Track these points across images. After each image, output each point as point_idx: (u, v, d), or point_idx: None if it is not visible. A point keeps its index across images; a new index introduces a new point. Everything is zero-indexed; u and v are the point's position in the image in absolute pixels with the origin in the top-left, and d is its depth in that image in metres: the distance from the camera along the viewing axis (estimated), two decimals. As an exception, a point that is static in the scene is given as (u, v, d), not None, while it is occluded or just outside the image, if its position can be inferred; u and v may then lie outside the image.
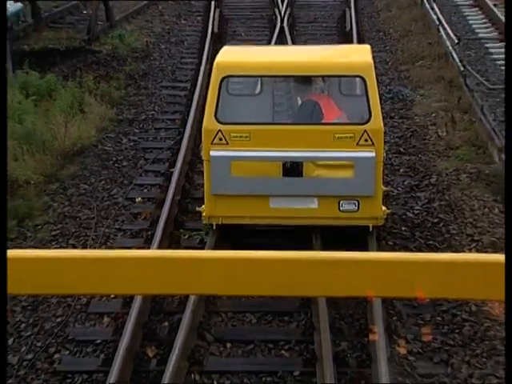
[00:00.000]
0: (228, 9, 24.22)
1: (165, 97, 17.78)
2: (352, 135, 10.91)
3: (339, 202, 11.03)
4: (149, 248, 10.58)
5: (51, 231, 11.78)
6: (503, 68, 19.48)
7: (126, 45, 21.24)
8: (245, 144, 11.04)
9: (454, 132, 15.18)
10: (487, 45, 21.48)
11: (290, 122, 12.06)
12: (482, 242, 11.14)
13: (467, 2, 26.41)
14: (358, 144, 10.87)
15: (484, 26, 23.52)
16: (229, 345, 9.17)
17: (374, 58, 11.88)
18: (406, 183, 13.20)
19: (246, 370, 8.71)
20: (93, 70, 18.88)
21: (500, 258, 2.24)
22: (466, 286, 2.27)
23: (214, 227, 11.26)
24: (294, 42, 20.57)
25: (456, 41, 20.36)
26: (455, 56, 19.19)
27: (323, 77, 12.17)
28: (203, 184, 11.82)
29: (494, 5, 25.06)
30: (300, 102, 12.04)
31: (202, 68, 18.86)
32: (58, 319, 9.57)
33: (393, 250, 10.75)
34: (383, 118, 14.91)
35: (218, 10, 23.84)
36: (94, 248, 10.90)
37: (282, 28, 21.77)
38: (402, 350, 8.91)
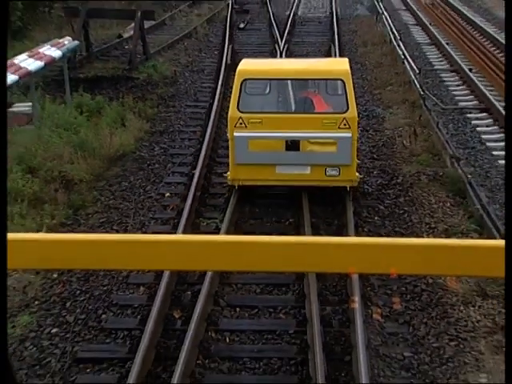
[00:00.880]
0: (238, 45, 24.18)
1: (188, 113, 17.76)
2: (335, 121, 12.03)
3: (325, 169, 12.17)
4: (175, 233, 10.61)
5: (99, 219, 11.82)
6: (454, 92, 19.47)
7: (158, 73, 21.23)
8: (258, 127, 12.13)
9: (415, 142, 15.17)
10: (441, 74, 21.49)
11: (290, 111, 12.95)
12: (437, 229, 11.17)
13: (426, 41, 26.43)
14: (339, 127, 11.99)
15: (439, 59, 23.53)
16: (238, 309, 9.20)
17: (351, 68, 13.06)
18: (378, 182, 13.22)
19: (252, 329, 8.74)
20: (132, 93, 18.87)
21: (455, 241, 2.28)
22: (430, 264, 2.30)
23: (236, 187, 12.31)
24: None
25: (417, 71, 20.34)
26: (416, 83, 19.15)
27: (314, 80, 13.43)
28: (219, 183, 13.28)
29: (447, 43, 25.09)
30: (298, 98, 13.16)
31: (218, 91, 18.80)
32: (105, 288, 9.61)
33: (368, 235, 10.80)
34: (361, 130, 15.14)
35: (230, 46, 23.78)
36: (132, 232, 10.92)
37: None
38: (376, 315, 8.94)
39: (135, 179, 13.56)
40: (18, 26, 24.40)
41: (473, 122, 16.81)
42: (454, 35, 26.72)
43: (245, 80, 12.32)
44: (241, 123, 12.11)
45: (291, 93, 13.36)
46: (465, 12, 31.40)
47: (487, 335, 8.65)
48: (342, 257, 2.32)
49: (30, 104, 15.79)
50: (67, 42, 18.22)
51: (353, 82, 12.43)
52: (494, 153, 14.70)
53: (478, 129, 16.31)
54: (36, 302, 9.33)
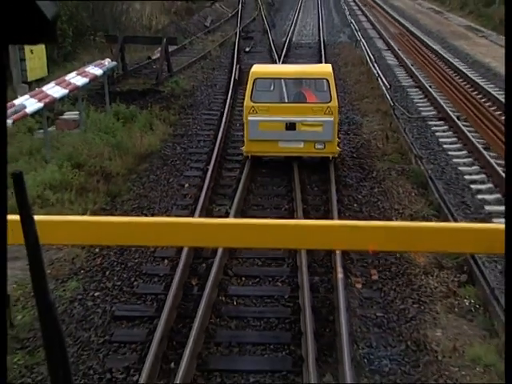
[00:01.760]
0: (244, 65, 24.05)
1: (203, 120, 17.70)
2: (321, 109, 13.05)
3: (314, 144, 13.17)
4: (192, 216, 10.61)
5: (132, 205, 11.79)
6: (418, 104, 19.44)
7: (179, 87, 21.17)
8: (265, 113, 13.15)
9: (387, 144, 15.13)
10: (407, 89, 21.44)
11: (289, 102, 13.61)
12: (404, 214, 11.14)
13: (396, 63, 26.37)
14: (324, 113, 13.02)
15: (406, 78, 23.47)
16: (243, 278, 9.19)
17: (334, 70, 14.13)
18: (357, 176, 13.19)
19: (254, 295, 8.72)
20: (158, 103, 18.81)
21: (417, 224, 2.29)
22: (399, 242, 2.29)
23: (250, 157, 13.48)
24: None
25: (388, 86, 20.31)
26: (387, 96, 19.13)
27: (306, 79, 14.06)
28: (228, 176, 13.45)
29: (412, 65, 25.06)
30: (294, 92, 13.88)
31: (228, 102, 18.72)
32: (136, 260, 9.60)
33: (348, 219, 10.78)
34: (343, 134, 15.07)
35: (237, 65, 23.73)
36: (158, 216, 10.91)
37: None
38: (357, 285, 8.94)
39: (160, 173, 13.54)
40: (68, 50, 24.37)
41: (432, 128, 16.78)
42: (418, 58, 26.71)
43: (256, 79, 13.37)
44: (253, 110, 13.17)
45: (289, 88, 13.97)
46: (425, 40, 31.39)
47: (442, 299, 8.64)
48: (328, 236, 2.31)
49: (78, 112, 15.79)
50: (107, 62, 18.22)
51: (335, 82, 13.56)
52: (449, 153, 14.68)
53: (436, 134, 16.28)
54: (82, 271, 9.34)
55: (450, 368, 7.18)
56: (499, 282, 8.75)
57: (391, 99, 18.71)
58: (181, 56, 26.57)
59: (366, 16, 43.34)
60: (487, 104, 18.34)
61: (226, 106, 18.33)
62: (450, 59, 25.67)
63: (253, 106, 13.13)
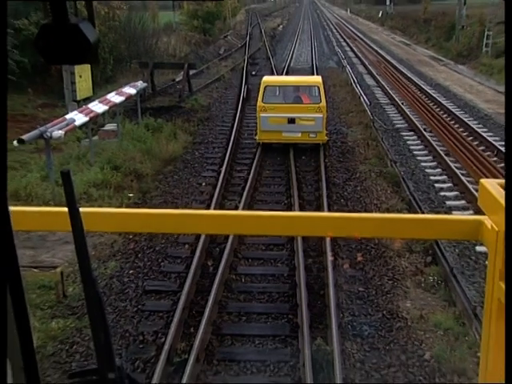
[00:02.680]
0: (251, 85, 23.99)
1: (217, 130, 17.66)
2: (314, 108, 14.16)
3: (308, 134, 14.33)
4: (208, 209, 10.59)
5: (159, 200, 11.78)
6: (393, 118, 19.37)
7: (198, 103, 21.13)
8: (273, 111, 14.24)
9: (368, 151, 15.08)
10: (384, 106, 21.35)
11: (290, 103, 14.60)
12: (381, 208, 11.09)
13: (375, 84, 26.29)
14: (316, 111, 14.14)
15: (383, 96, 23.36)
16: (250, 260, 9.13)
17: (323, 81, 15.40)
18: (343, 177, 13.15)
19: (259, 273, 8.70)
20: (181, 117, 18.76)
21: (392, 215, 2.28)
22: (378, 230, 2.29)
23: (261, 143, 14.64)
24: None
25: (368, 103, 20.27)
26: (368, 111, 19.09)
27: (303, 86, 15.21)
28: (238, 176, 13.26)
29: (387, 86, 24.97)
30: (294, 96, 14.89)
31: (237, 116, 18.69)
32: (162, 245, 9.59)
33: (337, 212, 10.76)
34: (332, 142, 15.02)
35: (245, 86, 23.72)
36: (181, 209, 10.91)
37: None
38: (345, 266, 8.91)
39: (182, 174, 13.51)
40: (109, 74, 24.40)
41: (404, 137, 16.72)
42: (392, 81, 26.63)
43: (266, 86, 14.51)
44: (264, 109, 14.27)
45: (290, 93, 15.07)
46: (398, 66, 31.31)
47: (412, 276, 8.62)
48: (320, 225, 2.30)
49: (116, 124, 15.77)
50: (140, 84, 18.21)
51: (324, 89, 14.76)
52: (418, 158, 14.63)
53: (407, 142, 16.22)
54: (119, 253, 9.35)
55: (417, 332, 7.19)
56: (457, 263, 8.75)
57: (371, 114, 18.67)
58: (199, 78, 26.49)
59: (350, 47, 43.35)
60: (448, 118, 18.39)
61: (236, 119, 18.28)
62: (418, 82, 25.64)
63: (264, 106, 14.28)
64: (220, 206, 11.25)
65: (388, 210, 10.77)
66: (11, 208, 1.12)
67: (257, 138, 14.77)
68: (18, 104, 19.11)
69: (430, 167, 13.86)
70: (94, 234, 9.43)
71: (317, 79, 15.36)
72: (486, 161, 13.43)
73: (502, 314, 1.91)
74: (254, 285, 8.41)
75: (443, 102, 20.78)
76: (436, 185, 12.52)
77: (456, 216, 2.25)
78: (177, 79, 25.40)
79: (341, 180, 12.93)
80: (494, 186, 2.06)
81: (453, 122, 17.77)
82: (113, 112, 16.48)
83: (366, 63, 32.89)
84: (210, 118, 19.37)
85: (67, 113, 14.03)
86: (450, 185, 12.48)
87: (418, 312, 7.61)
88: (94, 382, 1.20)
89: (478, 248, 9.04)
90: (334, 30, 59.29)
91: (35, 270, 7.90)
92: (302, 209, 10.94)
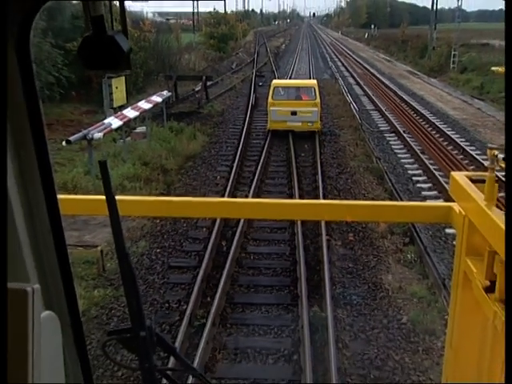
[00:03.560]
0: (258, 93, 23.81)
1: (230, 132, 17.59)
2: (311, 103, 15.28)
3: (307, 123, 15.38)
4: (223, 197, 10.55)
5: (181, 190, 11.77)
6: (378, 122, 19.27)
7: (214, 109, 21.09)
8: (280, 106, 15.36)
9: (357, 149, 15.04)
10: (370, 112, 21.24)
11: (293, 99, 15.66)
12: (368, 197, 11.03)
13: (363, 93, 26.13)
14: (312, 106, 15.24)
15: (370, 104, 23.21)
16: (257, 241, 9.10)
17: (319, 86, 16.60)
18: (336, 171, 13.09)
19: (265, 252, 8.65)
20: (199, 121, 18.71)
21: (378, 202, 2.29)
22: (366, 215, 2.28)
23: (270, 130, 15.72)
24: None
25: (357, 109, 20.16)
26: (357, 116, 18.99)
27: (303, 87, 16.21)
28: (248, 171, 13.07)
29: (373, 95, 24.83)
30: (296, 94, 15.81)
31: (247, 120, 18.61)
32: (184, 228, 9.54)
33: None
34: (327, 142, 14.90)
35: (254, 95, 23.64)
36: (200, 197, 10.85)
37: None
38: (336, 246, 8.87)
39: (201, 169, 13.47)
40: (140, 86, 24.42)
41: (387, 138, 16.64)
42: (376, 90, 26.48)
43: (275, 87, 15.78)
44: (273, 104, 15.44)
45: (293, 92, 15.96)
46: (381, 78, 31.13)
47: (393, 254, 8.60)
48: (317, 211, 2.30)
49: (145, 127, 15.79)
50: (165, 93, 18.21)
51: (319, 91, 15.99)
52: (398, 155, 14.56)
53: (390, 142, 16.15)
54: (148, 235, 9.35)
55: (397, 300, 7.19)
56: (430, 243, 8.73)
57: (359, 118, 18.56)
58: (215, 88, 26.37)
59: (342, 62, 43.23)
60: (423, 122, 18.40)
61: (246, 123, 18.21)
62: (398, 91, 25.59)
63: (273, 102, 15.49)
64: (232, 195, 11.22)
65: (373, 198, 10.71)
66: (59, 196, 1.13)
67: (267, 126, 15.95)
68: (66, 111, 19.45)
69: (409, 163, 13.81)
70: (128, 219, 9.45)
71: (313, 82, 16.81)
72: (453, 157, 13.50)
73: (468, 285, 1.90)
74: (260, 262, 8.38)
75: (419, 109, 20.78)
76: (414, 178, 12.50)
77: (430, 203, 2.24)
78: (196, 89, 25.27)
79: (334, 173, 12.88)
80: (462, 178, 2.05)
81: (427, 126, 17.85)
82: (143, 117, 16.44)
83: (355, 76, 32.75)
84: (224, 122, 19.30)
85: (105, 118, 14.07)
86: (425, 178, 12.45)
87: (398, 284, 7.60)
88: (128, 339, 1.22)
89: (448, 230, 9.01)
90: (328, 49, 59.12)
91: (80, 248, 7.96)
92: (301, 197, 10.91)
